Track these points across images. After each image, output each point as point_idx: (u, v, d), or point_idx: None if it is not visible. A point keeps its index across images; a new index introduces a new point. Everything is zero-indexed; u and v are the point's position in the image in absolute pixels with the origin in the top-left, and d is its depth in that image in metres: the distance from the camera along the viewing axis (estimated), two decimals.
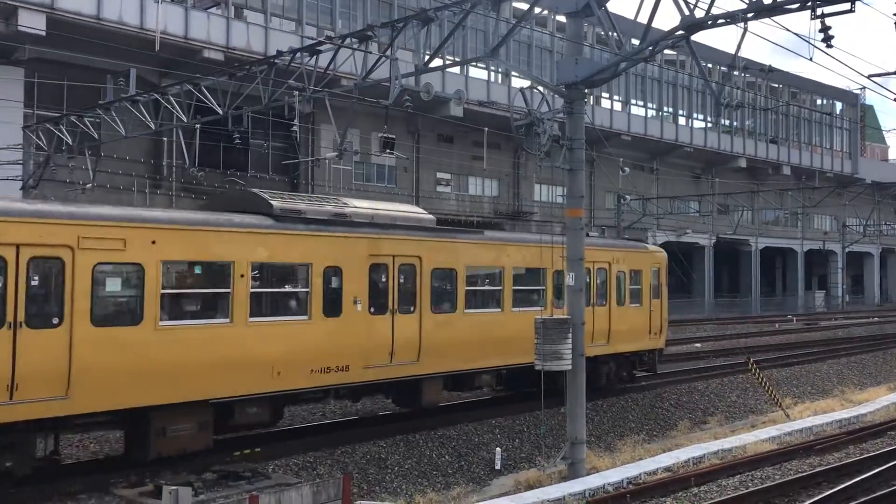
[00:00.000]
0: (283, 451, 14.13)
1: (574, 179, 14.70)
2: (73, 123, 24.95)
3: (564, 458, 14.16)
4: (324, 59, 18.66)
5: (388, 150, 27.74)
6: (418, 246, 15.79)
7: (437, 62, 16.99)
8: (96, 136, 24.80)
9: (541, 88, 15.60)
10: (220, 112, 20.81)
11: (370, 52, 19.00)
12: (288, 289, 14.24)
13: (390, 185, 43.31)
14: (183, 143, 25.76)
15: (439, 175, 46.05)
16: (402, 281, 15.49)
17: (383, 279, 15.21)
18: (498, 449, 15.61)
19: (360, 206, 15.95)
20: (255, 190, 14.98)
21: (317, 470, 13.53)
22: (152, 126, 23.14)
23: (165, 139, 33.57)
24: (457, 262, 16.43)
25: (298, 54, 18.76)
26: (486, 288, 17.48)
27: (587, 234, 20.73)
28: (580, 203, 14.77)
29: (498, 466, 15.23)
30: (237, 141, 23.13)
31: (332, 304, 14.32)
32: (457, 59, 32.86)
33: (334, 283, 14.40)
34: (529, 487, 13.31)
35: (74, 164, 26.35)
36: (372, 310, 14.93)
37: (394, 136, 30.37)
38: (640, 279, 21.41)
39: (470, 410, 17.94)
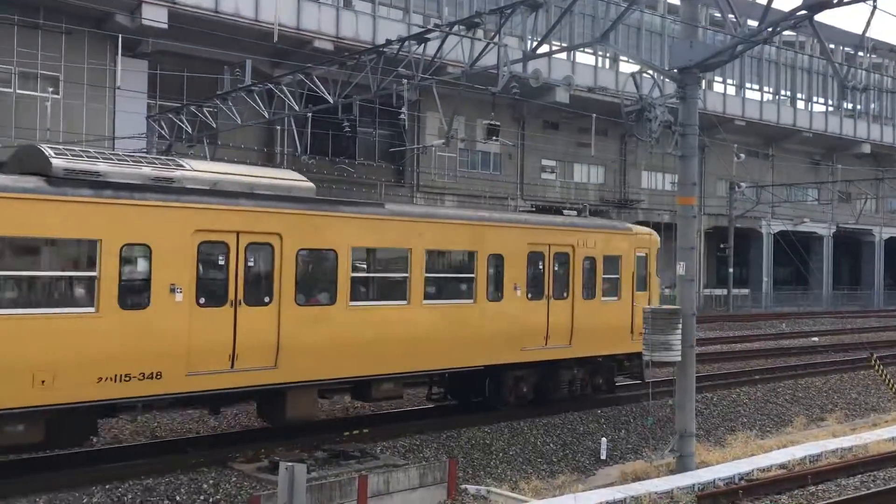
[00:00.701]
0: (390, 433, 14.41)
1: (686, 166, 14.30)
2: (193, 113, 26.10)
3: (673, 450, 13.87)
4: (431, 47, 18.85)
5: (493, 137, 27.79)
6: (277, 220, 12.33)
7: (543, 48, 16.79)
8: (214, 124, 25.83)
9: (651, 73, 15.22)
10: (331, 101, 21.33)
11: (477, 39, 19.04)
12: (62, 272, 10.91)
13: (495, 172, 43.30)
14: (295, 131, 26.51)
15: (544, 162, 45.71)
16: (251, 264, 12.11)
17: (220, 262, 11.86)
18: (604, 439, 15.44)
19: (201, 169, 12.53)
20: (42, 145, 11.75)
21: (423, 453, 13.74)
22: (266, 115, 23.93)
23: (278, 128, 34.59)
24: (339, 242, 12.97)
25: (406, 42, 19.01)
26: (385, 275, 14.05)
27: (563, 213, 18.10)
28: (692, 191, 14.36)
29: (603, 456, 15.07)
30: (346, 129, 23.70)
31: (135, 293, 11.09)
32: (564, 45, 32.52)
33: (140, 265, 11.24)
34: (636, 479, 13.10)
35: (194, 152, 27.54)
36: (202, 301, 11.63)
37: (499, 124, 30.32)
38: (617, 267, 17.39)
39: (574, 400, 17.76)
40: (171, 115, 27.10)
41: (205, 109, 25.64)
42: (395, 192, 38.99)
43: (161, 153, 28.18)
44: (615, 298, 17.32)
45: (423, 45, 18.76)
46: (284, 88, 22.90)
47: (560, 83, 23.34)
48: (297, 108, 22.84)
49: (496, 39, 16.81)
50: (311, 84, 21.85)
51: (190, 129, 26.20)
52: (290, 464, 8.79)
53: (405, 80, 18.62)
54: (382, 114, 33.78)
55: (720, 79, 49.88)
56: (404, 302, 13.81)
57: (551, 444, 15.18)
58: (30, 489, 10.43)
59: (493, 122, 31.24)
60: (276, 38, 32.68)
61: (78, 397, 10.59)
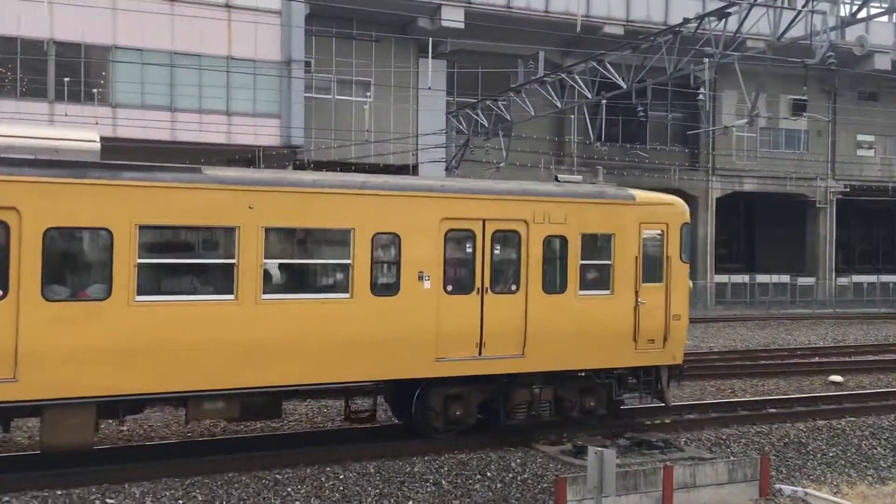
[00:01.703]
0: (694, 425, 13.98)
1: None
2: (488, 107, 27.18)
3: None
4: (731, 22, 17.89)
5: (801, 114, 25.74)
6: (11, 190, 9.44)
7: (862, 12, 15.18)
8: (508, 117, 26.71)
9: None
10: (624, 86, 21.08)
11: (785, 8, 17.74)
12: None
13: (801, 151, 40.05)
14: (587, 118, 26.57)
15: (860, 137, 41.39)
16: None
17: None
18: None
19: None
20: None
21: (730, 448, 13.15)
22: (559, 105, 24.26)
23: (573, 116, 34.92)
24: (116, 219, 9.88)
25: (705, 19, 18.22)
26: (198, 261, 10.73)
27: (556, 179, 13.64)
28: None
29: None
30: (640, 114, 23.29)
31: None
32: (885, 6, 29.12)
33: None
34: None
35: (489, 145, 28.74)
36: None
37: (805, 98, 27.95)
38: (608, 250, 12.83)
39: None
40: (468, 111, 28.48)
41: (499, 103, 26.61)
42: (690, 177, 37.62)
43: (459, 147, 29.75)
44: (605, 293, 12.73)
45: (723, 20, 17.87)
46: (577, 77, 23.05)
47: (890, 48, 20.91)
48: (589, 95, 22.88)
49: (808, 7, 15.54)
50: (604, 70, 21.76)
51: (486, 123, 27.33)
52: (599, 449, 8.87)
53: (705, 59, 17.87)
54: (675, 96, 32.78)
55: None
56: (230, 296, 10.41)
57: (879, 448, 13.76)
58: (362, 455, 11.59)
59: (799, 97, 28.89)
60: (578, 28, 33.09)
61: None
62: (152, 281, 10.22)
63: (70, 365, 9.59)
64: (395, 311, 11.28)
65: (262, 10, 29.05)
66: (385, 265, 11.44)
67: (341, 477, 10.78)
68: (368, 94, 33.24)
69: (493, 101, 26.83)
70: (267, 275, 10.62)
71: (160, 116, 28.31)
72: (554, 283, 12.33)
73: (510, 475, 11.40)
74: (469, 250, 11.91)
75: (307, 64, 30.57)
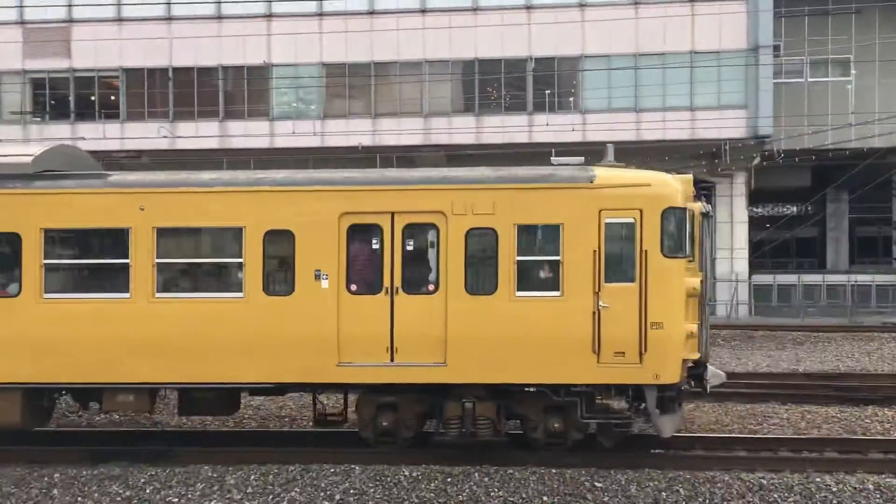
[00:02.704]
0: None
1: None
2: None
3: None
4: None
5: None
6: None
7: None
8: None
9: None
10: None
11: None
12: None
13: None
14: None
15: None
16: None
17: None
18: None
19: None
20: None
21: None
22: None
23: None
24: (25, 224, 11.06)
25: None
26: (96, 261, 11.45)
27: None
28: None
29: None
30: None
31: None
32: None
33: None
34: None
35: None
36: None
37: None
38: (554, 242, 10.80)
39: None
40: None
41: None
42: None
43: None
44: (552, 294, 10.74)
45: None
46: None
47: None
48: None
49: None
50: None
51: None
52: None
53: None
54: None
55: None
56: (125, 295, 10.98)
57: None
58: (857, 467, 10.55)
59: None
60: None
61: None
62: (59, 280, 11.33)
63: None
64: (290, 311, 10.96)
65: None
66: (278, 264, 11.23)
67: (834, 489, 9.89)
68: (850, 72, 30.26)
69: None
70: (160, 274, 11.13)
71: (625, 118, 29.25)
72: (481, 282, 10.89)
73: None
74: (376, 247, 11.08)
75: (776, 48, 28.90)
